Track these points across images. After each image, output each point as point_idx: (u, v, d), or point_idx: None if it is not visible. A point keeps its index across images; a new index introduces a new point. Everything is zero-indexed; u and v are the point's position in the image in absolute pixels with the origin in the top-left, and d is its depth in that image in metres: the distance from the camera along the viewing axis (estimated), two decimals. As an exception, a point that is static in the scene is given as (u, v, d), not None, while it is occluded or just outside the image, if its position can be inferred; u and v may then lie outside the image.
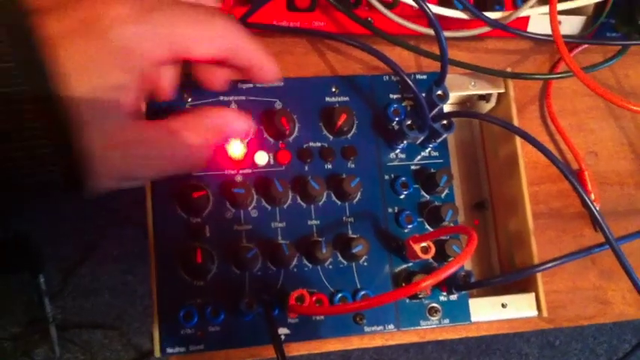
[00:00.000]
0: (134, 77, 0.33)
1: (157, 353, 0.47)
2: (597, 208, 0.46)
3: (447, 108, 0.56)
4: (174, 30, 0.34)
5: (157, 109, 0.48)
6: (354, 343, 0.56)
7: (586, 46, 0.62)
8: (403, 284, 0.50)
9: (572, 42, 0.56)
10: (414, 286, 0.37)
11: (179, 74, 0.40)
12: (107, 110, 0.32)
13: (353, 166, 0.52)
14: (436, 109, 0.51)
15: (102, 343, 1.43)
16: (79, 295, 1.42)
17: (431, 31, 0.52)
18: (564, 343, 1.58)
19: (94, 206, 1.38)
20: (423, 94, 0.50)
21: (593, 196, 0.60)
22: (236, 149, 0.50)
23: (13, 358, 1.39)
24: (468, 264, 0.57)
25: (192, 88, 0.49)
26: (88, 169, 0.32)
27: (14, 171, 0.31)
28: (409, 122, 0.50)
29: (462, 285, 0.48)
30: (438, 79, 0.50)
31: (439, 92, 0.50)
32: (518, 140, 0.54)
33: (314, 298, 0.48)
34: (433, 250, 0.48)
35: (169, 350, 0.47)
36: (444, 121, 0.50)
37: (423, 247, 0.48)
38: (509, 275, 0.47)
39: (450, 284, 0.49)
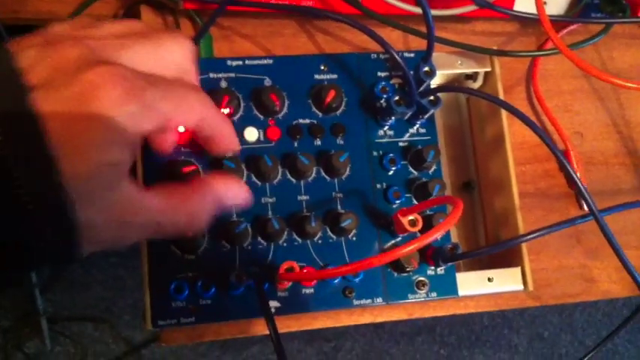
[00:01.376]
0: (129, 151, 0.34)
1: (149, 326, 0.47)
2: (582, 182, 0.47)
3: (433, 87, 0.57)
4: (161, 107, 0.35)
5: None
6: (343, 319, 0.56)
7: (572, 27, 0.63)
8: (391, 259, 0.51)
9: (557, 21, 0.57)
10: (400, 249, 0.37)
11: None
12: (106, 186, 0.33)
13: (342, 142, 0.52)
14: (423, 86, 0.52)
15: (93, 335, 1.43)
16: (70, 288, 1.42)
17: (418, 10, 0.53)
18: (554, 335, 1.60)
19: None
20: (411, 72, 0.51)
21: (579, 176, 0.61)
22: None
23: (4, 351, 1.39)
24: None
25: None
26: (86, 242, 0.33)
27: (22, 252, 0.32)
28: (397, 98, 0.51)
29: (449, 257, 0.49)
30: (425, 56, 0.51)
31: (426, 69, 0.51)
32: (504, 118, 0.55)
33: (304, 271, 0.49)
34: (421, 223, 0.49)
35: (160, 322, 0.47)
36: (431, 97, 0.51)
37: (410, 220, 0.49)
38: (495, 245, 0.48)
39: (437, 257, 0.50)
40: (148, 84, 0.35)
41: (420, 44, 0.57)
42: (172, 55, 0.39)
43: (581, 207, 0.62)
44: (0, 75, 0.31)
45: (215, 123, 0.42)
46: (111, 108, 0.32)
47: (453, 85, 0.58)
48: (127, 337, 1.44)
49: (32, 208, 0.30)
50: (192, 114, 0.39)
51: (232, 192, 0.44)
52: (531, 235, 0.45)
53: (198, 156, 0.49)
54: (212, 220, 0.41)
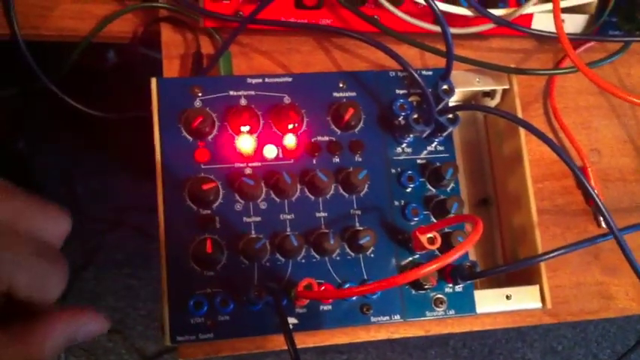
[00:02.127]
0: None
1: (167, 341, 0.47)
2: (601, 200, 0.47)
3: (452, 105, 0.57)
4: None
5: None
6: (360, 335, 0.56)
7: (589, 45, 0.63)
8: (409, 276, 0.51)
9: (575, 39, 0.57)
10: (421, 269, 0.37)
11: None
12: None
13: (360, 159, 0.52)
14: (442, 104, 0.52)
15: (106, 346, 1.43)
16: (83, 299, 1.42)
17: (436, 28, 0.54)
18: (568, 348, 1.58)
19: (97, 211, 1.39)
20: (430, 90, 0.51)
21: (597, 192, 0.61)
22: (245, 144, 0.51)
23: (18, 361, 1.39)
24: (473, 258, 0.58)
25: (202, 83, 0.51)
26: None
27: None
28: (415, 116, 0.51)
29: (467, 275, 0.49)
30: (443, 74, 0.51)
31: (445, 87, 0.51)
32: (522, 135, 0.55)
33: (322, 288, 0.49)
34: (439, 241, 0.49)
35: (179, 338, 0.48)
36: (450, 115, 0.51)
37: (429, 237, 0.49)
38: (513, 264, 0.48)
39: (455, 275, 0.50)
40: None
41: (438, 62, 0.57)
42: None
43: (599, 224, 0.62)
44: None
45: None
46: None
47: (471, 104, 0.58)
48: (140, 348, 1.44)
49: None
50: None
51: (83, 328, 0.40)
52: (551, 254, 0.45)
53: (218, 172, 0.50)
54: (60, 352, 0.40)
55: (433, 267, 0.38)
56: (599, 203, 0.46)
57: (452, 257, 0.38)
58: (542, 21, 0.58)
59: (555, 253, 0.45)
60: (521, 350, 1.56)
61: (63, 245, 0.38)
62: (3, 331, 0.37)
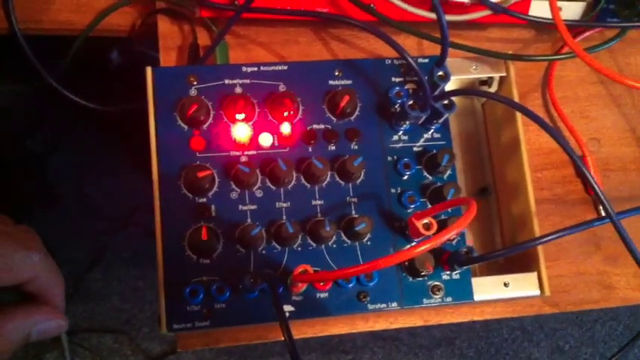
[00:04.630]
0: None
1: (164, 329, 0.47)
2: (598, 185, 0.47)
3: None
4: None
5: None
6: (358, 325, 0.56)
7: (588, 34, 0.63)
8: (406, 264, 0.51)
9: (571, 25, 0.57)
10: (415, 247, 0.37)
11: None
12: None
13: (356, 147, 0.52)
14: (438, 90, 0.52)
15: (112, 347, 1.43)
16: (90, 300, 1.43)
17: (432, 15, 0.53)
18: (574, 348, 1.57)
19: (106, 211, 1.39)
20: (426, 77, 0.51)
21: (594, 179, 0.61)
22: (241, 132, 0.51)
23: (24, 362, 1.40)
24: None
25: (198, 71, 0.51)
26: None
27: None
28: (411, 102, 0.51)
29: (464, 260, 0.48)
30: (439, 60, 0.51)
31: (440, 73, 0.51)
32: (519, 122, 0.55)
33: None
34: (435, 226, 0.48)
35: (175, 326, 0.47)
36: (445, 101, 0.51)
37: (425, 223, 0.48)
38: (510, 248, 0.47)
39: (452, 261, 0.50)
40: None
41: (435, 51, 0.57)
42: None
43: (598, 213, 0.62)
44: None
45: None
46: None
47: (465, 89, 0.58)
48: (146, 349, 1.44)
49: None
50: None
51: (39, 326, 0.42)
52: (547, 238, 0.45)
53: (213, 161, 0.50)
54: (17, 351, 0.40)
55: (427, 246, 0.38)
56: (596, 187, 0.46)
57: (446, 236, 0.38)
58: (540, 8, 0.58)
59: (552, 237, 0.45)
60: (527, 350, 1.55)
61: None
62: None
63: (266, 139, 0.51)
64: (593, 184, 0.47)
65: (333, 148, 0.52)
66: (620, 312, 1.61)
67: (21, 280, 0.40)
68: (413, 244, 0.52)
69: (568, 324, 1.58)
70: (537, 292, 0.53)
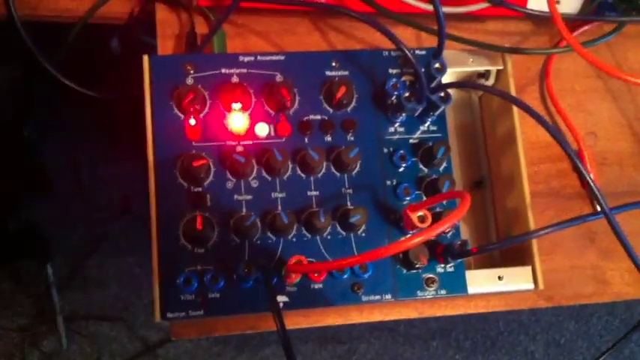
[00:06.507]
0: None
1: (158, 318, 0.47)
2: (593, 180, 0.47)
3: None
4: None
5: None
6: (353, 317, 0.56)
7: (586, 28, 0.63)
8: (401, 256, 0.51)
9: (568, 18, 0.57)
10: (409, 239, 0.37)
11: None
12: None
13: (352, 138, 0.52)
14: (434, 82, 0.52)
15: (109, 335, 1.43)
16: (87, 287, 1.43)
17: (430, 7, 0.53)
18: (570, 341, 1.58)
19: (103, 198, 1.39)
20: (422, 69, 0.51)
21: (592, 176, 0.61)
22: (237, 122, 0.51)
23: (21, 349, 1.40)
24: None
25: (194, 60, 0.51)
26: None
27: None
28: (407, 94, 0.51)
29: (458, 253, 0.49)
30: (435, 52, 0.51)
31: (437, 65, 0.51)
32: (516, 115, 0.55)
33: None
34: (430, 219, 0.48)
35: (169, 315, 0.48)
36: (442, 93, 0.51)
37: (419, 216, 0.48)
38: (504, 241, 0.47)
39: (447, 254, 0.50)
40: None
41: (433, 43, 0.57)
42: None
43: (594, 208, 0.62)
44: None
45: None
46: None
47: (462, 81, 0.58)
48: (143, 336, 1.44)
49: None
50: None
51: None
52: (542, 231, 0.45)
53: (209, 150, 0.50)
54: None
55: (421, 238, 0.38)
56: (591, 182, 0.46)
57: (439, 228, 0.38)
58: (538, 1, 0.58)
59: (546, 231, 0.45)
60: (523, 343, 1.55)
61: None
62: None
63: (262, 129, 0.51)
64: (588, 178, 0.47)
65: (329, 139, 0.52)
66: (617, 306, 1.61)
67: None
68: (407, 236, 0.52)
69: (564, 317, 1.59)
70: (531, 285, 0.53)
